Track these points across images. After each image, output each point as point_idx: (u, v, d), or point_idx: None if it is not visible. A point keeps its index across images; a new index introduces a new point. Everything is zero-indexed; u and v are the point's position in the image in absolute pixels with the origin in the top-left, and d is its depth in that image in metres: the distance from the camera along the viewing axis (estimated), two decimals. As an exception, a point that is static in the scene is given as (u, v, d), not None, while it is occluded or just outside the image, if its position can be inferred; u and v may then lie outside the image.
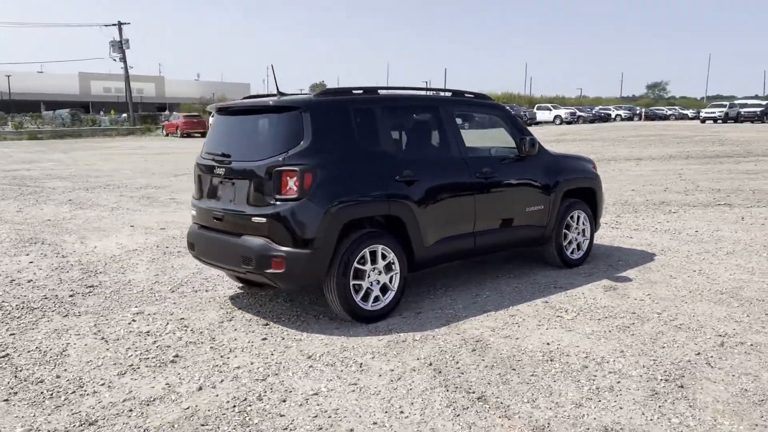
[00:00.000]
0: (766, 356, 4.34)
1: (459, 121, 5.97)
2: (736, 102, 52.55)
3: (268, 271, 4.75)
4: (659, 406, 3.63)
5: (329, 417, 3.56)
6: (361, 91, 5.28)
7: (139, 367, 4.31)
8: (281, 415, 3.60)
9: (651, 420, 3.48)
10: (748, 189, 12.76)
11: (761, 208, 10.45)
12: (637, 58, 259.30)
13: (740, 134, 32.55)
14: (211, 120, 6.98)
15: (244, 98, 5.82)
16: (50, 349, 4.65)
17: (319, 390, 3.90)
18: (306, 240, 4.67)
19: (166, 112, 53.86)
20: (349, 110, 5.06)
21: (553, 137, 31.86)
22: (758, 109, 48.02)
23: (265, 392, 3.89)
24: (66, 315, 5.44)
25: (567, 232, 6.65)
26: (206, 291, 6.11)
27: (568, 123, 53.28)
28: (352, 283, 4.92)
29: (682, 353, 4.39)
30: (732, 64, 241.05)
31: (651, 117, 65.11)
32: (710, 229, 8.80)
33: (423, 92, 5.92)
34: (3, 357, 4.52)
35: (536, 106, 58.66)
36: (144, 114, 55.25)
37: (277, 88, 5.56)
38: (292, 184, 4.67)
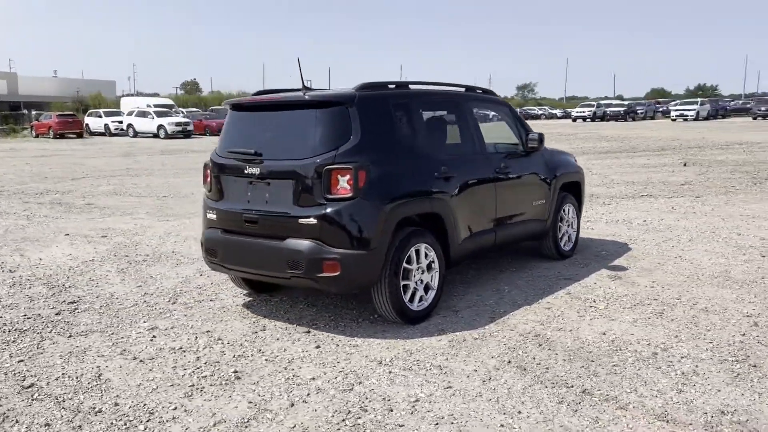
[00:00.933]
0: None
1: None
2: (602, 102, 56.91)
3: (320, 275, 4.47)
4: (751, 386, 3.79)
5: (451, 423, 3.41)
6: (394, 86, 5.12)
7: (203, 387, 3.92)
8: (400, 425, 3.40)
9: (754, 400, 3.62)
10: (658, 181, 13.75)
11: (680, 198, 11.28)
12: (506, 60, 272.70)
13: (614, 132, 35.12)
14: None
15: (257, 93, 5.46)
16: (82, 375, 4.13)
17: (418, 396, 3.73)
18: (362, 241, 4.45)
19: (35, 112, 49.36)
20: (391, 105, 4.89)
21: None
22: (621, 109, 52.36)
23: (364, 402, 3.66)
24: (70, 335, 4.86)
25: (560, 224, 6.82)
26: (211, 300, 5.68)
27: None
28: (402, 283, 4.76)
29: (729, 335, 4.61)
30: (584, 67, 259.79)
31: (524, 116, 68.66)
32: (654, 219, 9.37)
33: (444, 88, 5.83)
34: (30, 387, 3.94)
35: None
36: (-4, 113, 50.16)
37: (302, 82, 5.25)
38: (344, 182, 4.42)
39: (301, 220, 4.51)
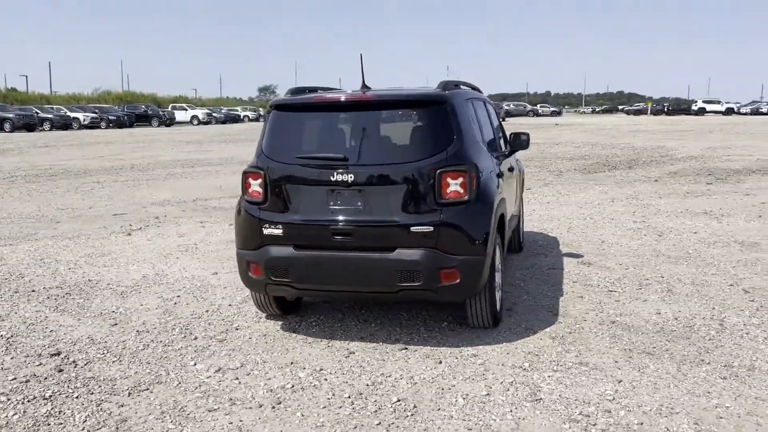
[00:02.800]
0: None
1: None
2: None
3: (440, 285, 4.24)
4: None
5: (666, 416, 3.53)
6: (458, 86, 5.04)
7: (399, 424, 3.50)
8: (640, 423, 3.43)
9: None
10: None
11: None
12: (238, 60, 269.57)
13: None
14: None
15: (294, 93, 4.91)
16: (232, 434, 3.38)
17: (604, 393, 3.78)
18: (480, 245, 4.32)
19: None
20: (469, 105, 4.81)
21: (219, 138, 31.68)
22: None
23: (580, 408, 3.61)
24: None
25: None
26: (237, 329, 4.99)
27: (206, 123, 53.15)
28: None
29: (758, 304, 5.38)
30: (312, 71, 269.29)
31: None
32: (556, 203, 10.33)
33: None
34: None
35: (171, 105, 56.90)
36: None
37: (363, 81, 4.84)
38: (456, 185, 4.24)
39: (413, 229, 4.20)
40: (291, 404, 3.67)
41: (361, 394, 3.78)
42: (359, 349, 4.47)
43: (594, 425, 3.37)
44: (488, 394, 3.75)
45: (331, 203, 4.31)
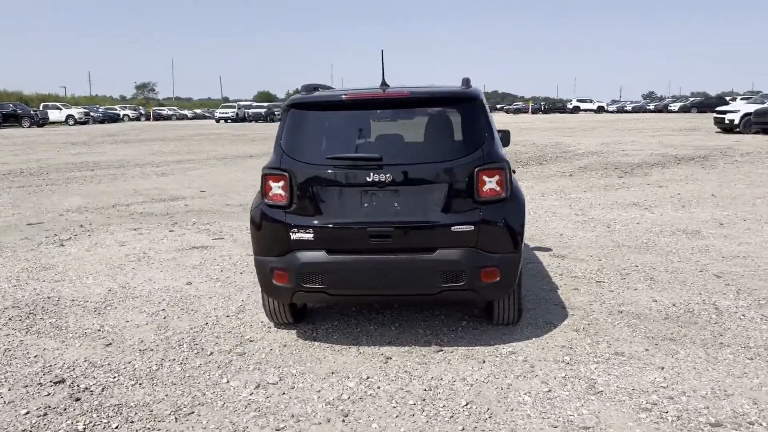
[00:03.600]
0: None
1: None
2: (243, 104, 58.44)
3: (481, 284, 4.23)
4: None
5: (725, 398, 3.73)
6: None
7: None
8: (706, 407, 3.59)
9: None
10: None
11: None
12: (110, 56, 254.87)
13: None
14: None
15: (311, 90, 4.71)
16: None
17: (655, 381, 3.91)
18: (517, 242, 4.35)
19: None
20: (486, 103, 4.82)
21: (110, 138, 29.99)
22: (262, 111, 54.60)
23: (655, 399, 3.72)
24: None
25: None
26: (251, 341, 4.73)
27: (83, 123, 50.01)
28: None
29: (734, 288, 5.80)
30: (191, 69, 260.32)
31: (157, 117, 66.24)
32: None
33: None
34: None
35: (42, 104, 52.99)
36: None
37: (383, 78, 4.71)
38: (493, 183, 4.25)
39: (454, 228, 4.15)
40: (360, 416, 3.51)
41: (424, 400, 3.68)
42: (394, 354, 4.35)
43: (666, 413, 3.46)
44: (550, 390, 3.77)
45: (366, 204, 4.16)
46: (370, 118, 4.48)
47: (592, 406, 3.55)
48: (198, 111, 76.42)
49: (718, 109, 29.47)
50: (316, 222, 4.19)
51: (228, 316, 5.19)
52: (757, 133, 25.65)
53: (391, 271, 4.15)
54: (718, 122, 28.16)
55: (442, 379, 3.96)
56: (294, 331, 4.82)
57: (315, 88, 4.74)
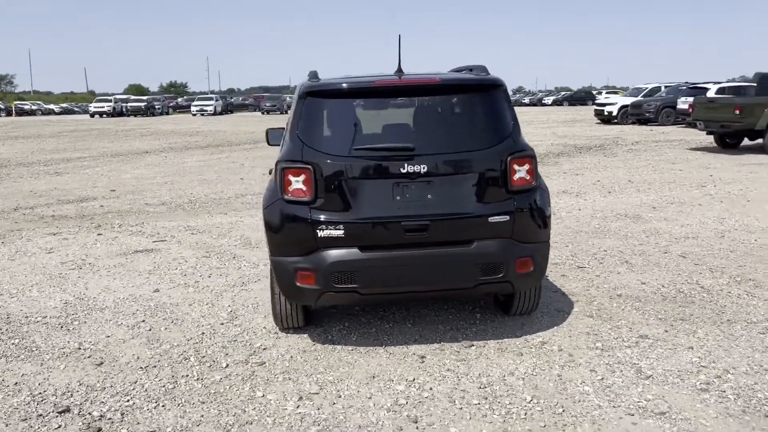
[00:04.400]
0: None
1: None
2: (119, 97, 55.11)
3: (515, 275, 4.16)
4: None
5: (766, 374, 3.91)
6: None
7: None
8: (755, 383, 3.73)
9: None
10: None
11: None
12: None
13: (165, 126, 34.95)
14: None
15: (315, 77, 4.42)
16: None
17: (693, 361, 4.01)
18: (547, 231, 4.31)
19: None
20: None
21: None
22: (142, 104, 51.83)
23: (684, 380, 3.80)
24: None
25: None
26: (264, 349, 4.40)
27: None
28: None
29: (704, 267, 6.12)
30: (52, 61, 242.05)
31: (20, 112, 61.20)
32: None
33: None
34: None
35: None
36: None
37: (399, 65, 4.49)
38: (524, 172, 4.18)
39: (491, 219, 4.04)
40: (432, 421, 3.32)
41: (486, 398, 3.55)
42: (426, 353, 4.19)
43: (724, 392, 3.55)
44: (603, 379, 3.75)
45: (398, 197, 3.95)
46: (396, 106, 4.24)
47: (653, 391, 3.55)
48: (65, 105, 71.18)
49: (598, 101, 31.41)
50: (346, 218, 3.92)
51: (222, 324, 4.78)
52: (633, 123, 27.56)
53: (429, 266, 3.96)
54: (598, 114, 29.99)
55: (489, 375, 3.83)
56: (305, 335, 4.51)
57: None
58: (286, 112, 54.99)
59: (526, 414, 3.35)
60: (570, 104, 59.06)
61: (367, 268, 3.91)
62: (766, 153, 15.06)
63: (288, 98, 58.16)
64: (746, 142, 16.44)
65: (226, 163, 16.28)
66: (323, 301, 4.06)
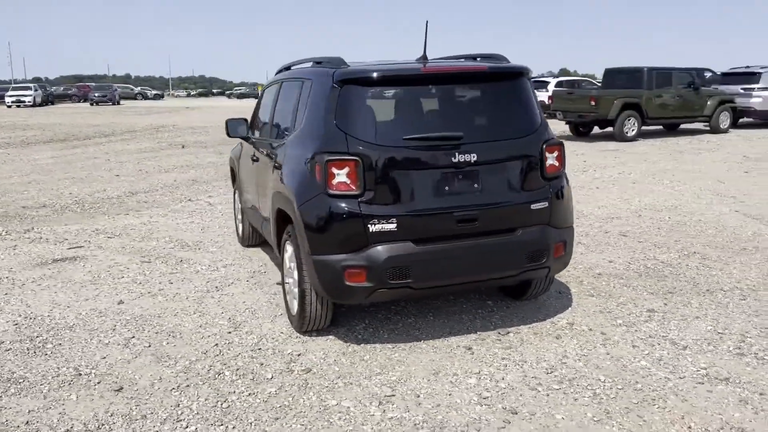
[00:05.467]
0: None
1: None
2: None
3: (553, 260, 4.29)
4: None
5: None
6: None
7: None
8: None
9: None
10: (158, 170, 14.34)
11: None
12: None
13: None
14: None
15: (366, 65, 4.22)
16: None
17: (709, 330, 4.37)
18: (572, 216, 4.49)
19: None
20: None
21: None
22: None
23: (716, 348, 4.15)
24: None
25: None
26: (292, 362, 4.19)
27: None
28: None
29: (649, 244, 6.67)
30: None
31: None
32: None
33: None
34: None
35: None
36: None
37: (425, 51, 4.37)
38: (554, 159, 4.28)
39: (533, 206, 4.11)
40: (533, 410, 3.32)
41: (562, 383, 3.61)
42: (471, 344, 4.18)
43: (756, 354, 3.91)
44: (649, 353, 3.97)
45: (447, 187, 3.88)
46: (440, 94, 4.12)
47: (700, 360, 3.82)
48: None
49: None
50: (398, 210, 3.77)
51: (230, 333, 4.41)
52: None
53: (480, 255, 3.93)
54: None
55: (546, 359, 3.89)
56: (330, 337, 4.29)
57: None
58: (119, 103, 51.38)
59: (613, 393, 3.43)
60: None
61: (421, 262, 3.79)
62: (616, 140, 16.64)
63: (117, 88, 54.16)
64: (596, 130, 18.03)
65: (87, 159, 14.87)
66: (377, 298, 3.88)
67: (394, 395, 3.47)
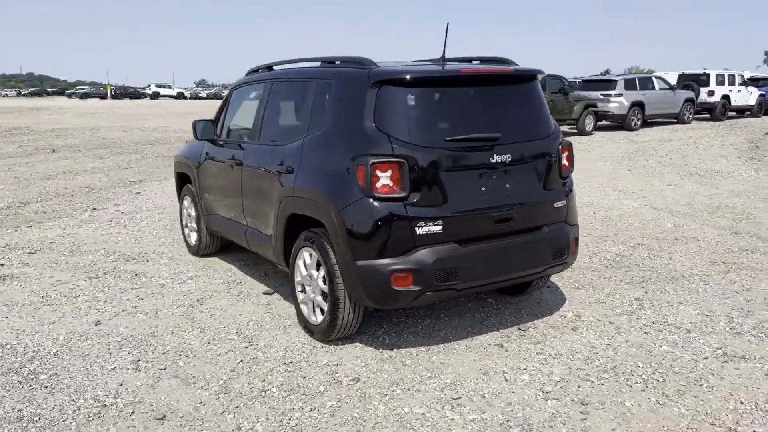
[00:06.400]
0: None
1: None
2: None
3: (569, 256, 4.52)
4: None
5: None
6: None
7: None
8: None
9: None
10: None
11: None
12: None
13: None
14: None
15: (408, 65, 4.16)
16: None
17: (704, 312, 4.83)
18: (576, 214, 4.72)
19: None
20: None
21: None
22: None
23: (733, 321, 4.59)
24: None
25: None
26: (342, 380, 4.12)
27: None
28: None
29: (601, 233, 7.15)
30: None
31: None
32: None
33: None
34: None
35: None
36: None
37: (444, 53, 4.38)
38: (565, 159, 4.49)
39: (555, 204, 4.31)
40: (601, 399, 3.47)
41: (607, 371, 3.79)
42: (500, 341, 4.27)
43: (751, 332, 4.34)
44: (664, 338, 4.27)
45: (484, 188, 3.95)
46: (475, 95, 4.14)
47: (713, 341, 4.17)
48: None
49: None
50: (443, 212, 3.77)
51: (247, 347, 4.20)
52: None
53: (515, 253, 4.04)
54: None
55: (578, 351, 4.07)
56: (357, 344, 4.21)
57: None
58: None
59: (658, 377, 3.67)
60: (131, 98, 58.06)
61: (466, 263, 3.81)
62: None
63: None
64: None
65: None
66: (421, 302, 3.84)
67: (460, 398, 3.47)
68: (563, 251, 4.21)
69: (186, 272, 5.78)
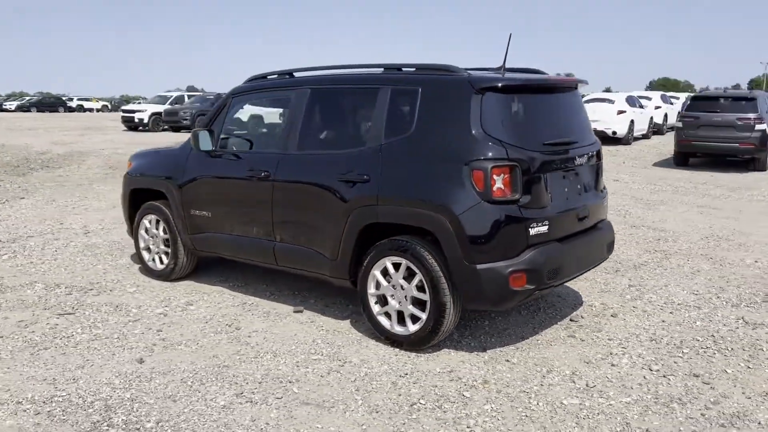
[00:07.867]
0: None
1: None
2: None
3: (611, 252, 5.00)
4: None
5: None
6: None
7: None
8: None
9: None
10: None
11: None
12: None
13: None
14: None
15: (507, 73, 4.27)
16: None
17: (700, 289, 5.65)
18: None
19: None
20: None
21: None
22: None
23: (742, 297, 5.36)
24: None
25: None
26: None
27: None
28: None
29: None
30: None
31: None
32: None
33: None
34: None
35: None
36: None
37: (504, 63, 4.58)
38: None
39: (604, 203, 4.80)
40: (708, 372, 3.92)
41: (681, 349, 4.23)
42: (570, 332, 4.56)
43: (746, 307, 5.12)
44: (689, 316, 4.87)
45: (566, 188, 4.28)
46: (556, 102, 4.39)
47: (730, 314, 4.83)
48: None
49: (125, 108, 30.57)
50: (548, 212, 4.00)
51: (344, 366, 4.02)
52: (165, 130, 27.99)
53: (590, 248, 4.40)
54: (127, 121, 29.30)
55: (637, 334, 4.48)
56: (444, 350, 4.24)
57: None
58: None
59: (726, 349, 4.20)
60: (38, 110, 53.56)
61: (566, 259, 4.08)
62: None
63: None
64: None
65: None
66: (524, 301, 4.03)
67: (595, 386, 3.69)
68: (612, 245, 4.64)
69: (175, 299, 5.26)
